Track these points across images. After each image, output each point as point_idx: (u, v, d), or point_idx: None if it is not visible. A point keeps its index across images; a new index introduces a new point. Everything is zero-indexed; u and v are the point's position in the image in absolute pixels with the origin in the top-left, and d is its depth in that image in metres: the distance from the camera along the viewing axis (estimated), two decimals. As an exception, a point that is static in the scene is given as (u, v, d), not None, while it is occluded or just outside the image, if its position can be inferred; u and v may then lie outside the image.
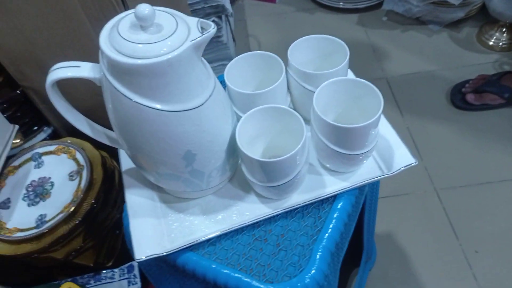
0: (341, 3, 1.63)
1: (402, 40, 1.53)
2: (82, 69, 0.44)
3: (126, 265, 0.78)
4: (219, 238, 0.53)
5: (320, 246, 0.51)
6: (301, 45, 0.59)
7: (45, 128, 0.95)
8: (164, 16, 0.42)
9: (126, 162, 0.60)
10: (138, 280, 0.77)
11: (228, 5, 1.18)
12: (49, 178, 0.78)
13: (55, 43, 0.71)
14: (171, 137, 0.45)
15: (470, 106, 1.28)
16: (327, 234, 0.52)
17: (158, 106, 0.42)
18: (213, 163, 0.50)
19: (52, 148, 0.81)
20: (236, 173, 0.58)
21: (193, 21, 0.43)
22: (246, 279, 0.49)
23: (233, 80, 0.56)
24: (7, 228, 0.72)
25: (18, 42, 0.71)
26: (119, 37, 0.40)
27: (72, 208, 0.71)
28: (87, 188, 0.74)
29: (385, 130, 0.59)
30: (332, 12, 1.65)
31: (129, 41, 0.40)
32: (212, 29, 0.42)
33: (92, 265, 0.78)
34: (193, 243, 0.52)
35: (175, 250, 0.51)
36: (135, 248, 0.51)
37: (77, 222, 0.71)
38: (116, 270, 0.79)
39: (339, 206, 0.55)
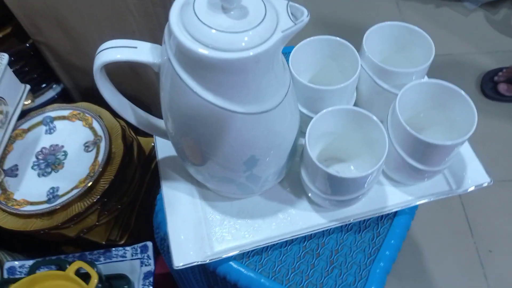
0: (374, -32, 1.50)
1: (435, 16, 1.43)
2: (140, 51, 0.36)
3: (140, 244, 0.73)
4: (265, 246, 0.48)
5: (378, 268, 0.46)
6: (375, 33, 0.50)
7: (54, 86, 0.86)
8: (248, -4, 0.34)
9: (163, 149, 0.53)
10: (151, 262, 0.72)
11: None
12: (62, 146, 0.71)
13: (93, 19, 0.61)
14: (238, 141, 0.38)
15: (501, 97, 1.22)
16: (386, 253, 0.47)
17: (231, 107, 0.35)
18: (273, 168, 0.44)
19: (66, 112, 0.73)
20: (288, 174, 0.52)
21: (281, 4, 0.35)
22: (296, 298, 0.45)
23: (296, 67, 0.49)
24: (15, 200, 0.65)
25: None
26: (196, 19, 0.32)
27: (89, 184, 0.65)
28: (105, 163, 0.67)
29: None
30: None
31: (210, 26, 0.31)
32: (305, 16, 0.34)
33: (103, 242, 0.72)
34: (238, 252, 0.46)
35: (217, 259, 0.46)
36: (174, 253, 0.45)
37: (93, 199, 0.65)
38: (128, 248, 0.73)
39: (399, 221, 0.49)
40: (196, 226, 0.48)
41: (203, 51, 0.31)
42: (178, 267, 0.44)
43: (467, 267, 0.99)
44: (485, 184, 0.49)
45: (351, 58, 0.49)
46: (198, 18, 0.32)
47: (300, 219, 0.49)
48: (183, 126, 0.39)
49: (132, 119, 0.43)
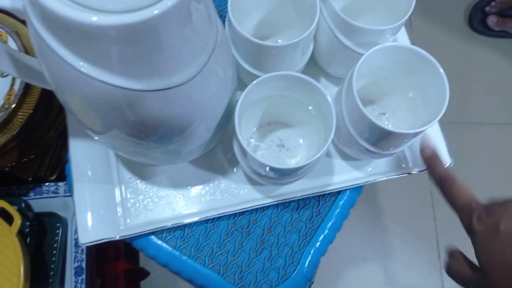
0: None
1: None
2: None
3: (72, 180, 0.66)
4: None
5: (312, 251, 0.42)
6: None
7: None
8: None
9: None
10: (86, 198, 0.66)
11: None
12: (-30, 66, 0.59)
13: None
14: (139, 122, 0.29)
15: (488, 30, 1.12)
16: (322, 236, 0.43)
17: (122, 83, 0.25)
18: (195, 142, 0.36)
19: (-28, 24, 0.59)
20: (222, 138, 0.44)
21: None
22: (216, 281, 0.40)
23: (239, 4, 0.38)
24: None
25: None
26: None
27: (4, 117, 0.55)
28: (23, 93, 0.56)
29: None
30: None
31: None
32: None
33: (30, 179, 0.65)
34: (156, 230, 0.40)
35: (132, 235, 0.40)
36: (80, 228, 0.39)
37: (10, 135, 0.56)
38: (61, 184, 0.67)
39: (343, 200, 0.44)
40: (109, 195, 0.41)
41: (75, 15, 0.21)
42: (84, 243, 0.38)
43: (419, 207, 0.99)
44: (448, 164, 0.43)
45: (309, 0, 0.38)
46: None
47: (231, 192, 0.42)
48: (64, 94, 0.29)
49: (11, 70, 0.33)
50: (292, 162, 0.42)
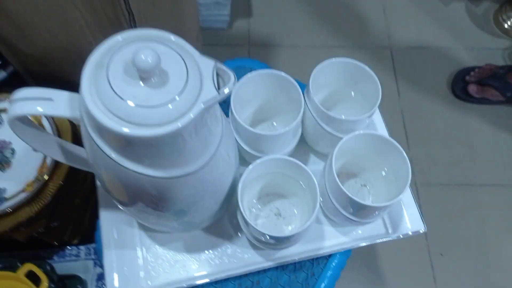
0: None
1: (416, 3, 1.39)
2: (56, 105, 0.33)
3: (93, 245, 0.72)
4: (200, 282, 0.48)
5: (308, 310, 0.47)
6: (327, 67, 0.48)
7: (6, 67, 0.81)
8: (171, 56, 0.31)
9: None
10: (104, 262, 0.72)
11: None
12: (10, 143, 0.67)
13: (37, 10, 0.57)
14: (162, 200, 0.36)
15: (470, 97, 1.22)
16: (318, 294, 0.48)
17: (151, 173, 0.33)
18: (206, 213, 0.43)
19: (11, 106, 0.68)
20: (229, 209, 0.51)
21: (207, 66, 0.32)
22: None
23: (240, 97, 0.46)
24: (-44, 202, 0.62)
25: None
26: (109, 90, 0.29)
27: (37, 189, 0.62)
28: (54, 166, 0.64)
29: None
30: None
31: (123, 98, 0.29)
32: (231, 82, 0.31)
33: (56, 243, 0.71)
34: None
35: (151, 293, 0.46)
36: (108, 286, 0.45)
37: (42, 204, 0.62)
38: (82, 247, 0.73)
39: (334, 263, 0.50)
40: (133, 259, 0.48)
41: (116, 127, 0.29)
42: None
43: (418, 268, 1.02)
44: (421, 231, 0.49)
45: (296, 94, 0.46)
46: (112, 87, 0.29)
47: (237, 256, 0.49)
48: (106, 179, 0.37)
49: (60, 157, 0.41)
50: (288, 229, 0.48)
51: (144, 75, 0.29)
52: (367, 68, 0.47)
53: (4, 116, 0.68)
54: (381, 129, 0.53)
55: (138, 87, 0.29)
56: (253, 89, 0.48)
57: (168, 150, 0.32)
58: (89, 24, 0.64)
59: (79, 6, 0.60)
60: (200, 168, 0.35)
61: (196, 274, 0.47)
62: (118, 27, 0.65)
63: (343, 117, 0.45)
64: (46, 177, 0.62)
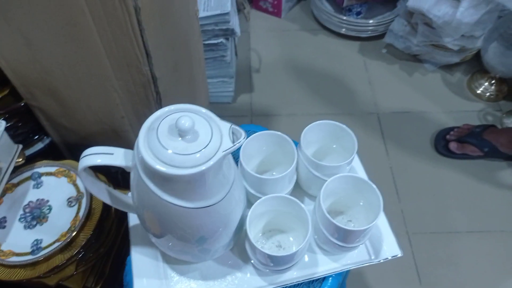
0: (343, 29, 1.65)
1: (398, 75, 1.58)
2: (115, 157, 0.46)
3: (114, 291, 0.81)
4: (214, 304, 0.58)
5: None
6: (314, 128, 0.62)
7: (44, 138, 0.96)
8: (200, 122, 0.45)
9: (133, 218, 0.62)
10: (125, 308, 0.80)
11: (237, 29, 1.19)
12: (47, 201, 0.80)
13: (72, 77, 0.72)
14: (189, 227, 0.48)
15: (451, 154, 1.35)
16: (314, 314, 0.57)
17: (183, 204, 0.45)
18: (221, 242, 0.54)
19: (53, 169, 0.82)
20: (237, 242, 0.62)
21: (225, 127, 0.46)
22: None
23: (246, 153, 0.60)
24: (2, 251, 0.73)
25: (34, 71, 0.71)
26: (158, 143, 0.42)
27: (70, 238, 0.74)
28: (85, 218, 0.76)
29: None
30: (334, 36, 1.68)
31: (167, 148, 0.42)
32: (242, 139, 0.45)
33: (80, 289, 0.80)
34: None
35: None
36: (138, 310, 0.55)
37: (73, 252, 0.74)
38: (103, 294, 0.82)
39: (327, 285, 0.60)
40: (158, 286, 0.58)
41: (161, 168, 0.42)
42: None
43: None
44: (398, 255, 0.60)
45: (290, 148, 0.60)
46: (160, 142, 0.43)
47: (245, 282, 0.59)
48: (145, 212, 0.49)
49: (108, 201, 0.54)
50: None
51: (183, 134, 0.43)
52: (344, 126, 0.61)
53: (44, 178, 0.82)
54: (361, 173, 0.66)
55: (178, 142, 0.43)
56: (256, 146, 0.62)
57: (197, 186, 0.44)
58: (123, 102, 0.80)
59: (117, 88, 0.76)
60: (218, 201, 0.48)
61: (211, 298, 0.57)
62: (147, 105, 0.81)
63: (328, 164, 0.58)
64: (78, 228, 0.73)
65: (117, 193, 0.55)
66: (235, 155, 0.68)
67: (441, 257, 1.17)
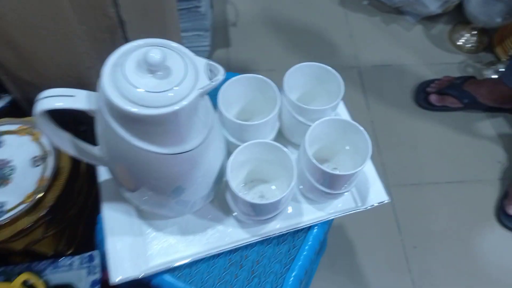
0: (324, -21, 1.58)
1: (379, 28, 1.54)
2: (77, 99, 0.41)
3: (87, 254, 0.77)
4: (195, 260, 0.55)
5: (292, 275, 0.54)
6: (297, 71, 0.58)
7: (3, 96, 0.88)
8: (173, 56, 0.40)
9: (104, 173, 0.58)
10: (98, 270, 0.76)
11: (211, -25, 1.11)
12: (10, 161, 0.74)
13: (29, 22, 0.65)
14: (164, 176, 0.44)
15: (431, 106, 1.34)
16: (299, 263, 0.56)
17: (157, 150, 0.41)
18: (199, 193, 0.51)
19: (14, 127, 0.76)
20: (217, 194, 0.58)
21: (201, 63, 0.41)
22: (220, 304, 0.52)
23: (225, 99, 0.55)
24: (-39, 216, 0.68)
25: (-17, 15, 0.63)
26: (125, 81, 0.37)
27: (36, 199, 0.69)
28: (52, 178, 0.71)
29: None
30: (314, -13, 1.61)
31: (136, 87, 0.37)
32: (221, 75, 0.41)
33: (51, 253, 0.76)
34: (170, 267, 0.53)
35: (151, 273, 0.52)
36: (111, 270, 0.51)
37: (40, 214, 0.69)
38: (75, 258, 0.78)
39: (312, 234, 0.58)
40: (133, 244, 0.54)
41: (130, 108, 0.37)
42: (114, 282, 0.50)
43: (394, 261, 1.10)
44: (385, 201, 0.58)
45: (272, 93, 0.56)
46: (127, 79, 0.38)
47: (227, 234, 0.56)
48: (115, 162, 0.45)
49: (72, 152, 0.49)
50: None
51: (153, 68, 0.38)
52: (330, 68, 0.57)
53: (4, 137, 0.75)
54: (346, 118, 0.63)
55: (147, 78, 0.38)
56: (236, 91, 0.57)
57: (171, 128, 0.40)
58: (89, 51, 0.73)
59: (81, 35, 0.69)
60: (196, 147, 0.44)
61: (190, 252, 0.54)
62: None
63: (313, 107, 0.54)
64: (44, 188, 0.68)
65: (83, 144, 0.50)
66: (213, 102, 0.64)
67: (421, 208, 1.18)
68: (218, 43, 1.45)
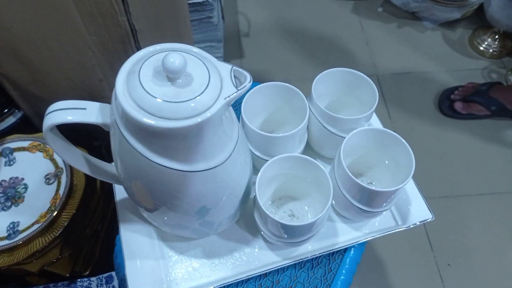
0: (337, -13, 1.55)
1: (396, 34, 1.49)
2: (88, 113, 0.37)
3: (105, 275, 0.73)
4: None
5: (329, 303, 0.49)
6: (326, 77, 0.53)
7: (15, 111, 0.85)
8: (194, 62, 0.36)
9: (121, 191, 0.53)
10: (116, 292, 0.72)
11: (224, -15, 1.08)
12: (22, 179, 0.70)
13: (37, 34, 0.61)
14: (187, 195, 0.39)
15: (457, 114, 1.28)
16: (337, 288, 0.50)
17: (179, 167, 0.36)
18: (225, 213, 0.46)
19: (26, 144, 0.72)
20: (243, 213, 0.53)
21: (225, 69, 0.37)
22: (251, 337, 0.47)
23: (248, 110, 0.51)
24: (-27, 236, 0.64)
25: (-9, 28, 0.60)
26: (141, 89, 0.33)
27: (50, 219, 0.65)
28: (66, 196, 0.67)
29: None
30: (327, -5, 1.57)
31: (154, 96, 0.33)
32: (248, 82, 0.36)
33: (67, 275, 0.72)
34: (195, 293, 0.48)
35: (175, 300, 0.47)
36: (132, 298, 0.46)
37: (55, 234, 0.65)
38: (93, 279, 0.73)
39: (349, 257, 0.52)
40: (154, 268, 0.49)
41: (148, 120, 0.32)
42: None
43: (427, 280, 1.03)
44: (429, 220, 0.52)
45: (300, 102, 0.51)
46: (144, 88, 0.33)
47: (255, 257, 0.51)
48: (133, 180, 0.40)
49: (86, 170, 0.44)
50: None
51: (172, 75, 0.33)
52: (362, 74, 0.52)
53: (16, 154, 0.72)
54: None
55: (167, 87, 0.34)
56: (260, 101, 0.53)
57: (194, 143, 0.35)
58: (100, 63, 0.70)
59: (92, 46, 0.66)
60: (221, 163, 0.39)
61: (216, 277, 0.49)
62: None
63: (345, 116, 0.49)
64: (59, 207, 0.64)
65: (96, 160, 0.45)
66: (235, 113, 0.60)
67: (452, 222, 1.11)
68: (231, 54, 1.41)
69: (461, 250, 1.06)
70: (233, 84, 0.36)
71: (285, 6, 1.54)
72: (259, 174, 0.45)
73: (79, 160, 0.44)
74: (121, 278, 0.53)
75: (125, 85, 0.34)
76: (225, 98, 0.35)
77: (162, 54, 0.35)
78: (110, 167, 0.47)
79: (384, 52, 1.45)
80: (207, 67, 0.36)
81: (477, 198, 1.14)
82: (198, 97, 0.34)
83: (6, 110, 0.83)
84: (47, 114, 0.37)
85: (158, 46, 0.37)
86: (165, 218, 0.44)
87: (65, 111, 0.36)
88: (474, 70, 1.41)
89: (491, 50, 1.44)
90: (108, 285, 0.73)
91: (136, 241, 0.51)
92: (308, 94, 0.52)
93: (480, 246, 1.07)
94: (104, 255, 0.78)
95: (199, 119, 0.33)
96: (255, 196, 0.44)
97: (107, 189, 0.80)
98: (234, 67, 0.37)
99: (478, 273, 1.03)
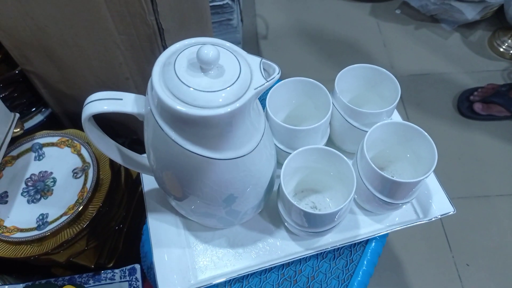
0: (354, -10, 1.56)
1: (414, 36, 1.49)
2: (125, 103, 0.39)
3: (128, 267, 0.75)
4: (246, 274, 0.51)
5: (351, 293, 0.50)
6: (349, 72, 0.54)
7: (43, 110, 0.88)
8: (226, 55, 0.37)
9: (149, 182, 0.55)
10: (140, 284, 0.74)
11: (244, -13, 1.10)
12: (51, 173, 0.73)
13: (69, 33, 0.64)
14: (216, 183, 0.41)
15: (476, 115, 1.28)
16: (358, 279, 0.51)
17: (209, 154, 0.38)
18: (251, 203, 0.47)
19: (54, 139, 0.75)
20: (266, 205, 0.55)
21: (255, 61, 0.38)
22: (274, 324, 0.48)
23: (272, 104, 0.52)
24: (5, 227, 0.67)
25: (26, 28, 0.63)
26: (177, 79, 0.35)
27: (78, 211, 0.67)
28: (93, 190, 0.69)
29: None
30: (344, -2, 1.58)
31: (189, 86, 0.35)
32: (276, 73, 0.38)
33: (92, 266, 0.74)
34: (220, 281, 0.49)
35: (201, 287, 0.49)
36: (159, 283, 0.48)
37: (82, 226, 0.67)
38: (117, 271, 0.76)
39: (371, 249, 0.53)
40: (181, 256, 0.51)
41: (182, 108, 0.34)
42: (163, 297, 0.47)
43: (446, 280, 1.03)
44: (450, 213, 0.53)
45: (323, 97, 0.52)
46: (179, 78, 0.35)
47: (278, 247, 0.52)
48: (165, 169, 0.42)
49: (118, 159, 0.46)
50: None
51: (206, 66, 0.35)
52: (384, 70, 0.53)
53: (45, 149, 0.75)
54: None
55: (200, 77, 0.35)
56: (284, 96, 0.54)
57: (226, 131, 0.37)
58: (127, 61, 0.72)
59: (120, 44, 0.68)
60: (249, 152, 0.40)
61: (240, 266, 0.50)
62: (153, 62, 0.73)
63: (368, 110, 0.50)
64: (86, 200, 0.67)
65: (128, 151, 0.47)
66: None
67: (471, 222, 1.10)
68: (250, 56, 1.44)
69: (480, 251, 1.06)
70: (262, 76, 0.37)
71: (302, 8, 1.55)
72: (284, 164, 0.46)
73: (113, 150, 0.46)
74: (148, 266, 0.55)
75: (161, 76, 0.36)
76: (255, 89, 0.36)
77: (196, 47, 0.37)
78: (141, 158, 0.49)
79: (402, 53, 1.45)
80: (238, 60, 0.37)
81: (496, 199, 1.13)
82: (229, 88, 0.35)
83: (34, 109, 0.87)
84: (86, 104, 0.39)
85: (192, 40, 0.39)
86: (193, 206, 0.45)
87: (102, 101, 0.38)
88: (493, 72, 1.40)
89: (511, 52, 1.43)
90: (131, 277, 0.75)
91: (163, 231, 0.53)
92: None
93: (500, 247, 1.06)
94: (127, 248, 0.80)
95: (229, 108, 0.35)
96: (279, 186, 0.46)
97: (131, 185, 0.83)
98: (263, 60, 0.38)
99: (498, 274, 1.02)
